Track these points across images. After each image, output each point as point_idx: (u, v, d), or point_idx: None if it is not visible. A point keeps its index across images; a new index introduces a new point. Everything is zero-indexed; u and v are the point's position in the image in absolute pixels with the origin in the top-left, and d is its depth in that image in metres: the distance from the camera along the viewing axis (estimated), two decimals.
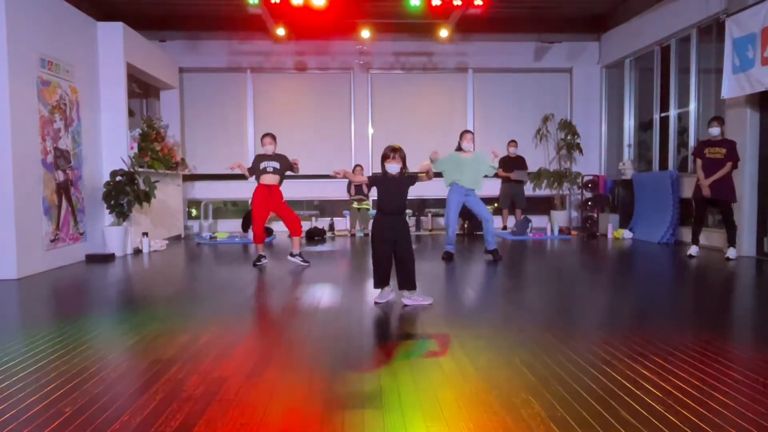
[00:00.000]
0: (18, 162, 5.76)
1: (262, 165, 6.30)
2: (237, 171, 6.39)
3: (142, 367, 2.95)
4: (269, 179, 6.29)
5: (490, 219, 6.85)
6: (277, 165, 6.31)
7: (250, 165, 6.54)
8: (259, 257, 6.44)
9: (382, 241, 4.27)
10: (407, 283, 4.32)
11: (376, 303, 4.38)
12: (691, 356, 3.02)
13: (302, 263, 6.43)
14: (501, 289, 5.30)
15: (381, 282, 4.36)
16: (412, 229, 10.11)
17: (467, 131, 6.80)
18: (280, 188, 6.40)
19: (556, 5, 9.87)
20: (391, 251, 4.29)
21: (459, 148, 6.76)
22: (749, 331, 3.74)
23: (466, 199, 6.75)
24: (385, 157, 4.28)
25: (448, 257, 6.79)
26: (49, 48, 6.37)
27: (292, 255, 6.53)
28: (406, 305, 4.30)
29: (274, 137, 6.44)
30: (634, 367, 2.84)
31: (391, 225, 4.28)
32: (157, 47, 9.52)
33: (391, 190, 4.27)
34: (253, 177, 6.39)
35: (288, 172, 6.47)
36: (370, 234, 4.62)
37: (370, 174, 10.74)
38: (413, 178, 4.39)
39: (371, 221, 4.69)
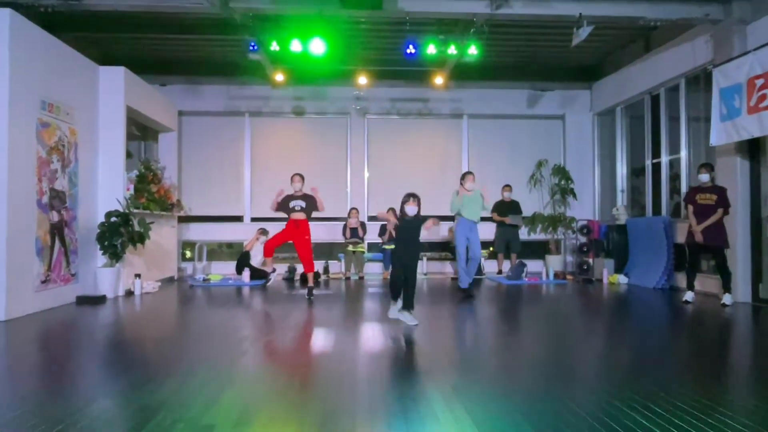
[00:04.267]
0: (13, 202, 5.76)
1: (291, 204, 7.12)
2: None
3: (128, 412, 2.87)
4: (297, 216, 7.12)
5: (478, 259, 7.45)
6: (303, 204, 7.13)
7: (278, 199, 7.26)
8: (268, 276, 7.67)
9: (400, 265, 5.28)
10: (410, 303, 5.27)
11: (390, 317, 5.35)
12: (691, 405, 2.96)
13: (307, 296, 7.21)
14: (497, 334, 5.24)
15: (396, 296, 5.33)
16: None
17: (470, 173, 7.58)
18: (308, 224, 7.21)
19: (548, 55, 10.16)
20: (404, 275, 5.26)
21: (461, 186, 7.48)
22: (749, 380, 3.68)
23: (470, 234, 7.33)
24: (404, 202, 5.28)
25: (467, 295, 7.22)
26: (50, 91, 6.47)
27: (307, 287, 7.34)
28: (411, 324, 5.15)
29: (302, 177, 7.28)
30: (634, 417, 2.78)
31: (406, 253, 5.30)
32: (157, 91, 9.68)
33: (409, 227, 5.33)
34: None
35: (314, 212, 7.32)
36: (391, 262, 6.02)
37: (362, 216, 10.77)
38: (421, 221, 5.40)
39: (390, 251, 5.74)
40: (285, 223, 7.28)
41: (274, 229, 9.63)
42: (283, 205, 7.14)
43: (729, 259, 6.63)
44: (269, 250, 7.27)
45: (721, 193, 6.62)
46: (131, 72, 8.11)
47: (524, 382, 3.45)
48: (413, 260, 5.38)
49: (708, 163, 6.96)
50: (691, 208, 6.75)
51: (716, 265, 6.70)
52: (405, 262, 5.28)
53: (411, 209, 5.23)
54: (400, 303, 5.32)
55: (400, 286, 5.28)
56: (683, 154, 8.44)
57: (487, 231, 10.24)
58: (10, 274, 5.69)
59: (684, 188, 8.31)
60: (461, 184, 7.46)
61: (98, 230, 7.16)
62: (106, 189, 7.61)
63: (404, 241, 5.38)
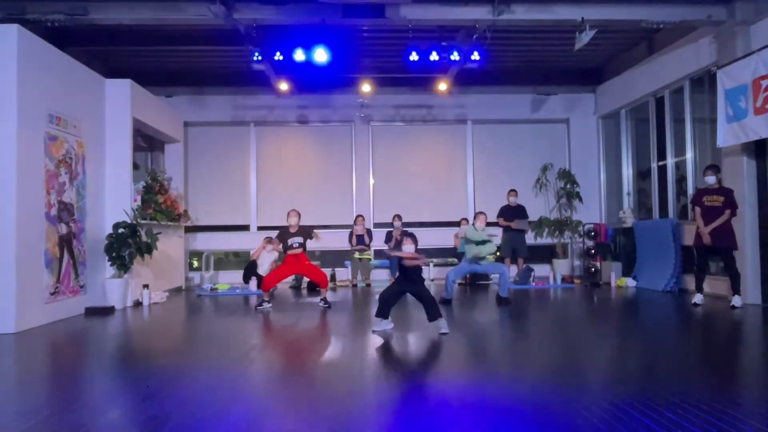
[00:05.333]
0: (22, 215, 5.81)
1: (289, 242, 7.14)
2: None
3: (138, 423, 2.88)
4: (295, 252, 7.15)
5: (502, 271, 7.35)
6: (301, 240, 7.19)
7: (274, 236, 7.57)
8: (262, 301, 7.10)
9: (399, 289, 5.36)
10: (432, 314, 5.17)
11: (373, 331, 5.22)
12: (702, 409, 2.94)
13: (323, 305, 7.14)
14: (506, 339, 5.22)
15: (382, 314, 5.32)
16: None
17: (481, 213, 7.42)
18: (306, 254, 7.26)
19: (551, 59, 10.18)
20: (399, 296, 5.39)
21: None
22: (761, 383, 3.65)
23: (475, 267, 7.40)
24: (401, 243, 5.31)
25: (444, 302, 7.13)
26: (57, 104, 6.53)
27: (321, 298, 7.29)
28: (445, 333, 5.08)
29: (298, 213, 7.29)
30: (644, 422, 2.76)
31: (408, 277, 5.32)
32: (164, 102, 9.76)
33: (405, 265, 5.33)
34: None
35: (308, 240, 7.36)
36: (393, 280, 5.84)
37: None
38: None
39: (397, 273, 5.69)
40: None
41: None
42: (283, 242, 7.15)
43: (738, 261, 6.59)
44: (268, 285, 7.10)
45: (728, 194, 6.59)
46: (137, 84, 8.18)
47: (534, 387, 3.44)
48: (415, 288, 5.29)
49: (714, 164, 6.93)
50: (698, 210, 6.72)
51: (725, 267, 6.67)
52: (409, 291, 5.33)
53: (408, 248, 5.21)
54: (390, 324, 5.34)
55: (389, 305, 5.29)
56: (689, 155, 8.41)
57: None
58: (20, 287, 5.73)
59: (691, 190, 8.27)
60: (473, 224, 7.39)
61: (106, 241, 7.20)
62: (113, 200, 7.66)
63: (404, 275, 5.38)
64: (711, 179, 6.68)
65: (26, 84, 5.95)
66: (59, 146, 6.55)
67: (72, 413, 3.06)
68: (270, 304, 7.12)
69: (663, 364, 4.01)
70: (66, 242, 6.64)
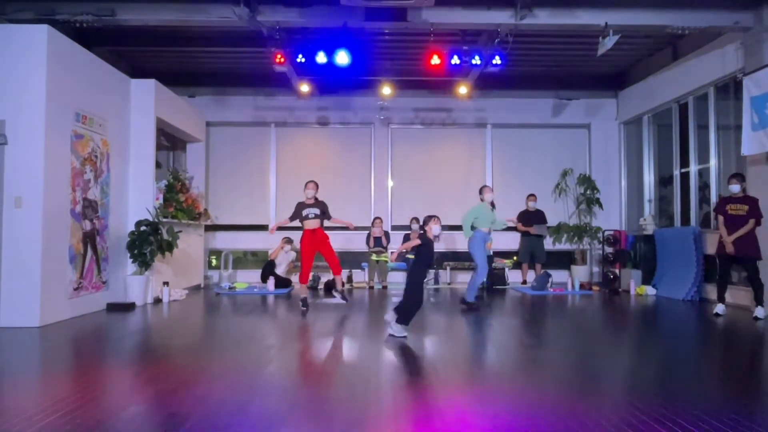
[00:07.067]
0: (48, 212, 5.94)
1: (304, 212, 6.98)
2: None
3: (157, 420, 2.93)
4: (311, 224, 6.98)
5: (476, 275, 7.13)
6: (317, 211, 6.98)
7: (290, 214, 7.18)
8: (304, 300, 7.02)
9: (421, 290, 5.21)
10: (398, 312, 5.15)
11: (393, 336, 5.10)
12: (721, 422, 2.90)
13: (341, 300, 7.22)
14: (522, 345, 5.19)
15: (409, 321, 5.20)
16: (430, 283, 10.08)
17: (487, 186, 7.56)
18: (323, 230, 7.04)
19: (573, 64, 10.10)
20: (421, 284, 5.26)
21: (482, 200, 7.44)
22: None
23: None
24: (425, 223, 5.24)
25: (475, 307, 6.98)
26: (84, 103, 6.67)
27: (335, 290, 7.33)
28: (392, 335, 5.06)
29: (316, 184, 7.12)
30: None
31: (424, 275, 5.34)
32: (186, 102, 9.89)
33: (430, 249, 5.27)
34: (295, 221, 7.11)
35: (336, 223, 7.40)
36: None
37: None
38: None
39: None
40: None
41: (298, 237, 9.75)
42: (296, 214, 7.02)
43: (761, 271, 6.47)
44: (304, 277, 7.05)
45: (752, 203, 6.48)
46: (161, 84, 8.31)
47: (550, 395, 3.42)
48: (409, 271, 5.38)
49: (739, 173, 6.82)
50: (721, 218, 6.62)
51: (748, 277, 6.55)
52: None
53: (436, 228, 5.21)
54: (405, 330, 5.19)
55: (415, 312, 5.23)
56: (713, 163, 8.28)
57: (512, 240, 10.20)
58: (44, 282, 5.86)
59: (713, 198, 8.14)
60: (481, 198, 7.43)
61: (128, 239, 7.33)
62: (136, 198, 7.79)
63: (427, 263, 5.34)
64: (735, 188, 6.57)
65: (54, 83, 6.09)
66: (85, 144, 6.69)
67: (93, 408, 3.12)
68: (306, 308, 6.93)
69: (682, 376, 3.96)
70: (90, 239, 6.77)
